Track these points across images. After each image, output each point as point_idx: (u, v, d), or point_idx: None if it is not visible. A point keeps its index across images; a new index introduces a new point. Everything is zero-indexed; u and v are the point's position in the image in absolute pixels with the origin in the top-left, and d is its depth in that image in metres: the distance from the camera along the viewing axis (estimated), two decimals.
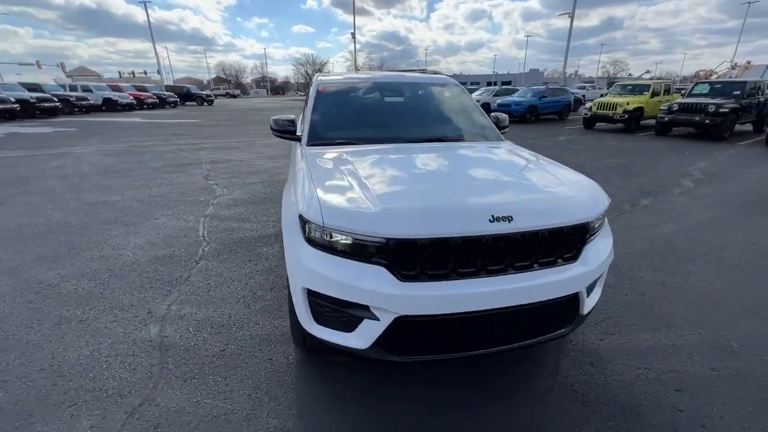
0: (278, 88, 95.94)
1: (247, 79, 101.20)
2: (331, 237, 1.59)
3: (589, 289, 1.87)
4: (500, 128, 3.13)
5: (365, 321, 1.57)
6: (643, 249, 3.67)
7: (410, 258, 1.54)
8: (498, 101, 17.41)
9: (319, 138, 2.62)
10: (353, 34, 29.65)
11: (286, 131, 2.73)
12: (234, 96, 55.41)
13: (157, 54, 40.25)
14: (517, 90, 19.49)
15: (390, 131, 2.81)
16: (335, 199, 1.68)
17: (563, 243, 1.70)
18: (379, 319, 1.54)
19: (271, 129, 2.77)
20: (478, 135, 2.92)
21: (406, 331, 1.57)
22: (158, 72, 45.82)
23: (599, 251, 1.83)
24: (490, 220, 1.56)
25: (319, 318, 1.69)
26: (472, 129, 3.02)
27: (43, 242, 3.81)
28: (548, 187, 1.91)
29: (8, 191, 5.64)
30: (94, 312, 2.63)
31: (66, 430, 1.72)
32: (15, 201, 5.18)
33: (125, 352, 2.23)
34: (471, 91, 21.29)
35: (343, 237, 1.57)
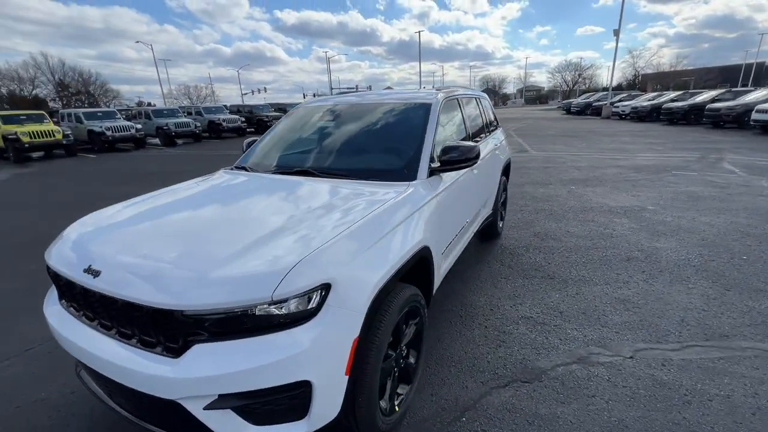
0: (542, 97, 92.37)
1: (510, 89, 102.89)
2: None
3: (244, 411, 1.28)
4: (446, 163, 2.23)
5: None
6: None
7: (57, 285, 1.63)
8: None
9: (244, 162, 2.78)
10: (616, 32, 24.36)
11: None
12: None
13: (420, 72, 47.43)
14: None
15: (295, 160, 2.63)
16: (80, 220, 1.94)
17: (156, 326, 1.28)
18: None
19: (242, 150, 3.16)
20: (383, 171, 2.26)
21: None
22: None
23: (247, 358, 1.22)
24: (84, 270, 1.41)
25: None
26: (380, 164, 2.38)
27: None
28: (214, 252, 1.42)
29: None
30: None
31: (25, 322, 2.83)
32: None
33: None
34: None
35: None
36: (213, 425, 1.28)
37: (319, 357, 1.29)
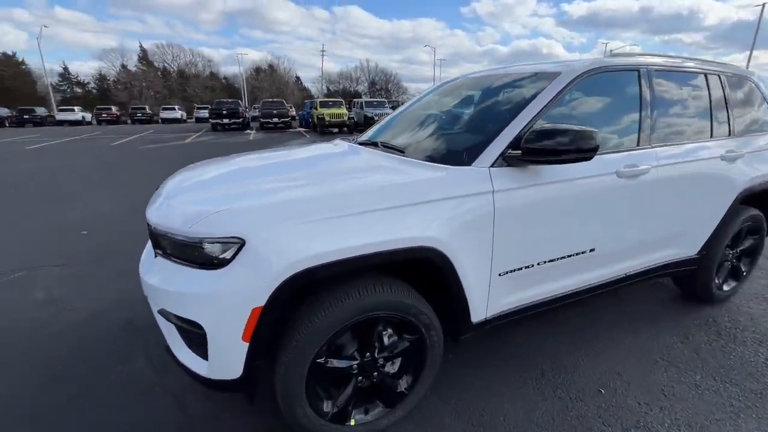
0: None
1: None
2: None
3: (181, 330, 1.45)
4: (531, 153, 1.55)
5: None
6: None
7: None
8: None
9: (366, 134, 2.79)
10: None
11: None
12: None
13: (749, 62, 32.76)
14: None
15: (379, 135, 2.48)
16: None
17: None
18: None
19: None
20: (441, 152, 1.87)
21: None
22: None
23: (166, 278, 1.40)
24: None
25: None
26: (445, 144, 2.02)
27: None
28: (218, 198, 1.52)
29: None
30: None
31: None
32: None
33: None
34: None
35: None
36: (163, 329, 1.53)
37: (212, 307, 1.29)
